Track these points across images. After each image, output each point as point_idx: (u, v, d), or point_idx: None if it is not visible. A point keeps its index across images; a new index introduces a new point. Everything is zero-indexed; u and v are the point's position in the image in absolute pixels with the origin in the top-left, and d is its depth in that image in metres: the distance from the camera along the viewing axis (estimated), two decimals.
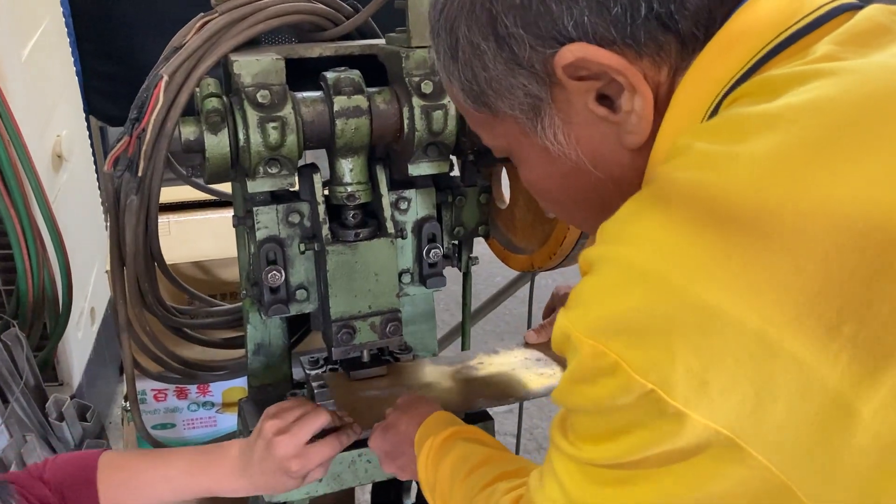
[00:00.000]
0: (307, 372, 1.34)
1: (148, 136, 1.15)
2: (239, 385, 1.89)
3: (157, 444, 1.67)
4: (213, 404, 1.92)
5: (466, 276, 1.45)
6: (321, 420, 1.10)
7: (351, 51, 1.27)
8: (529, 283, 2.09)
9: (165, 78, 1.14)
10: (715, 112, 0.62)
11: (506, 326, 3.48)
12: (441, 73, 0.75)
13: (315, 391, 1.30)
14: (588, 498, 0.61)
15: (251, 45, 1.26)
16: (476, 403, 1.22)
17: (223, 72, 1.24)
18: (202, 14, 1.25)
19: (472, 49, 0.69)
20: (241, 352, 1.69)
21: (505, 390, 1.24)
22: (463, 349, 1.54)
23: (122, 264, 1.34)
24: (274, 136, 1.09)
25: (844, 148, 0.53)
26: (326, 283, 1.21)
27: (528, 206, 1.30)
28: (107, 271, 1.65)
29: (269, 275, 1.22)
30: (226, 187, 1.76)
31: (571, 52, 0.63)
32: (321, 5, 1.28)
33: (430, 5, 0.75)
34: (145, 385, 1.86)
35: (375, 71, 1.24)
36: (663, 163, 0.61)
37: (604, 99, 0.66)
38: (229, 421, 1.94)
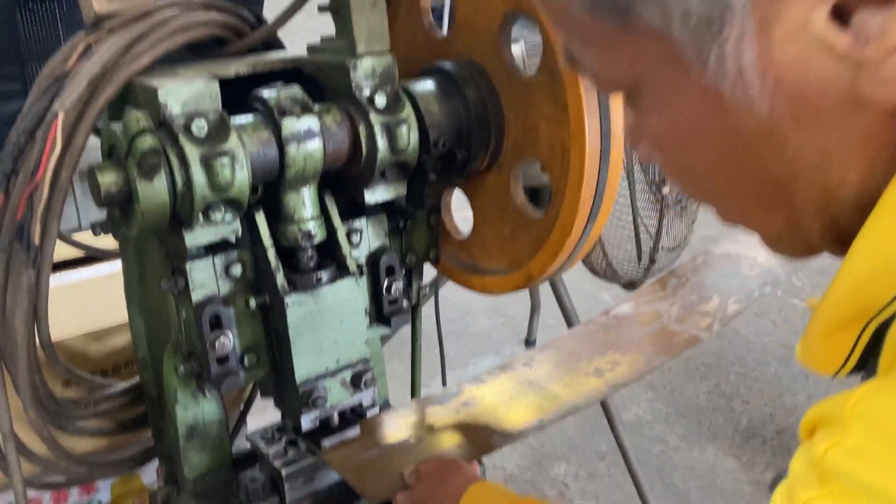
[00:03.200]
0: (263, 452, 1.13)
1: (45, 193, 0.90)
2: (131, 474, 1.59)
3: None
4: (100, 502, 1.61)
5: (416, 309, 1.30)
6: None
7: (271, 66, 1.08)
8: (434, 299, 1.96)
9: (62, 115, 0.89)
10: None
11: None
12: None
13: (283, 473, 1.09)
14: None
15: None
16: (493, 442, 1.08)
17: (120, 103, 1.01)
18: (82, 33, 1.00)
19: None
20: (143, 433, 1.42)
21: (516, 422, 1.11)
22: (413, 393, 1.38)
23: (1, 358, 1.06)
24: (224, 174, 0.89)
25: None
26: (287, 340, 1.02)
27: (501, 217, 1.16)
28: None
29: (217, 342, 1.00)
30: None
31: None
32: (228, 15, 1.08)
33: None
34: (9, 497, 1.52)
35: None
36: None
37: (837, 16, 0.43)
38: None
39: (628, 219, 1.66)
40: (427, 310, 1.93)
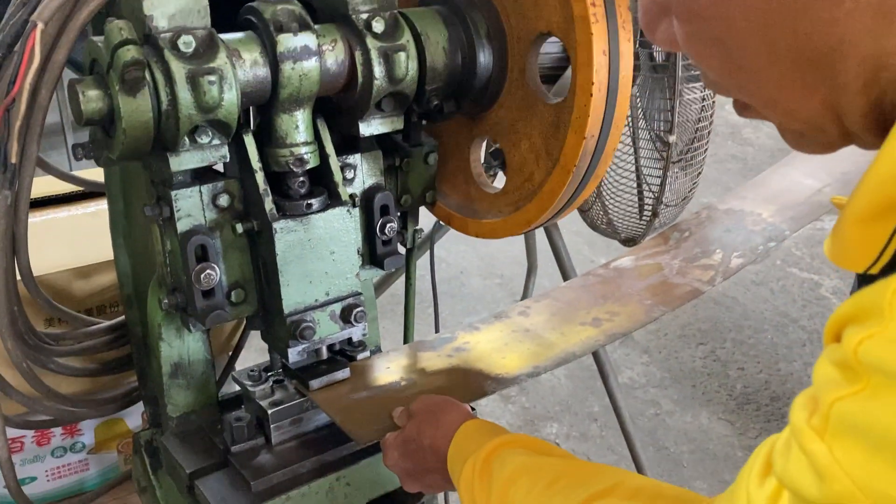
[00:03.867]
0: (250, 390, 1.09)
1: (23, 109, 0.86)
2: (116, 417, 1.57)
3: None
4: (83, 445, 1.58)
5: (411, 253, 1.26)
6: None
7: None
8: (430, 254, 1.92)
9: (41, 26, 0.84)
10: None
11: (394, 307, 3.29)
12: None
13: (269, 412, 1.06)
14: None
15: None
16: (486, 387, 1.05)
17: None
18: None
19: None
20: (127, 375, 1.39)
21: (510, 368, 1.08)
22: (406, 339, 1.35)
23: None
24: (211, 93, 0.84)
25: None
26: (275, 269, 0.98)
27: (457, 167, 1.16)
28: None
29: (203, 275, 0.96)
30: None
31: None
32: None
33: None
34: None
35: None
36: None
37: None
38: (105, 461, 1.61)
39: (631, 171, 1.62)
40: (421, 270, 1.90)
